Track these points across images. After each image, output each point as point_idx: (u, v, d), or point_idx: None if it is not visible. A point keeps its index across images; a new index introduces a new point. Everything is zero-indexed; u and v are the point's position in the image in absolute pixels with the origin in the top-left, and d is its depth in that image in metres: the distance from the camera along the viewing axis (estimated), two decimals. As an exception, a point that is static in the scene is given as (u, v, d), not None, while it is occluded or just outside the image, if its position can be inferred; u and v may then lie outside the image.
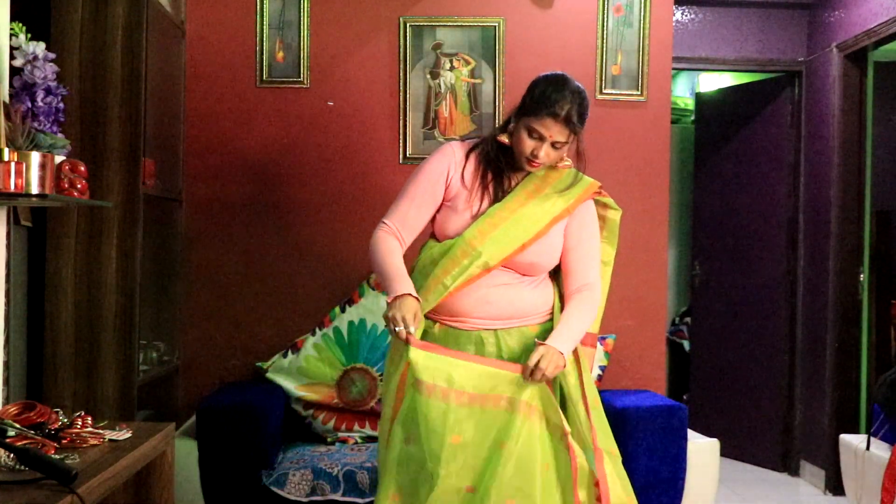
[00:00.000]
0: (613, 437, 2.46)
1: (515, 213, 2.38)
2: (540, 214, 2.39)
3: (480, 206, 2.41)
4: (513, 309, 2.40)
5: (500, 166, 2.43)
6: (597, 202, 2.53)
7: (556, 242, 2.43)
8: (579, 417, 2.35)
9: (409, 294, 2.28)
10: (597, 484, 2.29)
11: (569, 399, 2.37)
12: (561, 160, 2.43)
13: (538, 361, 2.25)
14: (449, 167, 2.44)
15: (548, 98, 2.31)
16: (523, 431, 2.26)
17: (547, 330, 2.42)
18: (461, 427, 2.25)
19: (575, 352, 2.41)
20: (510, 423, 2.26)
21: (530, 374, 2.26)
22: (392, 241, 2.41)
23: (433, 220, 2.48)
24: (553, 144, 2.34)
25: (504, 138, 2.42)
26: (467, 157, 2.46)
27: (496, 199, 2.42)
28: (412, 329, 2.24)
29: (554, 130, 2.32)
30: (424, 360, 2.26)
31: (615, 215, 2.56)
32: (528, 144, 2.35)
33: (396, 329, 2.24)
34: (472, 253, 2.34)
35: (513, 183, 2.45)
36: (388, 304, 2.30)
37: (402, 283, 2.32)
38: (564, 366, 2.31)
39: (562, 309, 2.46)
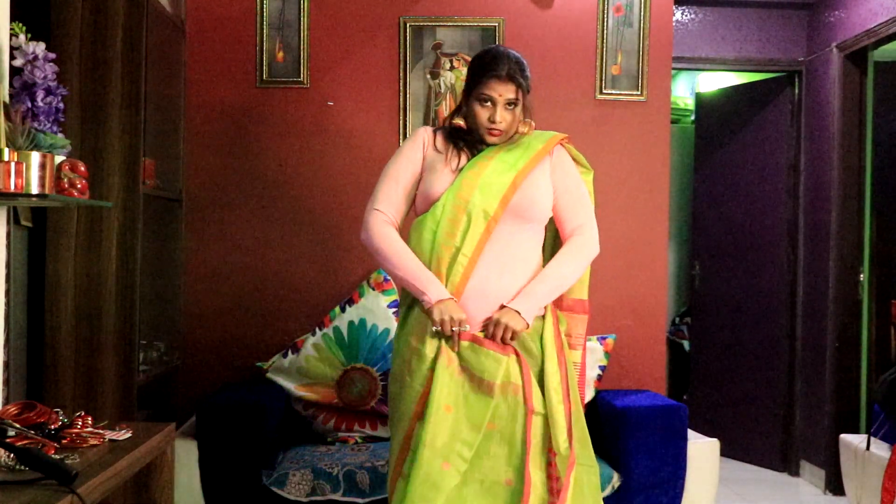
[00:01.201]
0: (613, 446, 2.48)
1: (494, 158, 2.43)
2: (515, 157, 2.44)
3: (459, 162, 2.46)
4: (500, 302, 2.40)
5: (465, 137, 2.50)
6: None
7: (544, 183, 2.46)
8: (556, 421, 2.35)
9: (448, 298, 2.35)
10: (558, 492, 2.31)
11: (548, 401, 2.36)
12: (518, 127, 2.48)
13: (493, 326, 2.35)
14: (423, 142, 2.52)
15: (486, 64, 2.42)
16: (518, 412, 2.33)
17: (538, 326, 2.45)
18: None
19: (562, 356, 2.43)
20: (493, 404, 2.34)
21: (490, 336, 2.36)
22: (391, 232, 2.45)
23: (414, 201, 2.52)
24: (506, 105, 2.40)
25: (459, 121, 2.50)
26: (435, 133, 2.55)
27: (472, 156, 2.47)
28: (467, 327, 2.34)
29: (501, 89, 2.39)
30: (485, 360, 2.33)
31: (587, 176, 2.59)
32: (483, 113, 2.42)
33: (454, 329, 2.32)
34: (467, 206, 2.37)
35: (483, 147, 2.49)
36: (426, 310, 2.35)
37: (435, 286, 2.36)
38: (525, 328, 2.36)
39: None
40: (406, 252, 2.42)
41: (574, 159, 2.56)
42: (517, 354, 2.37)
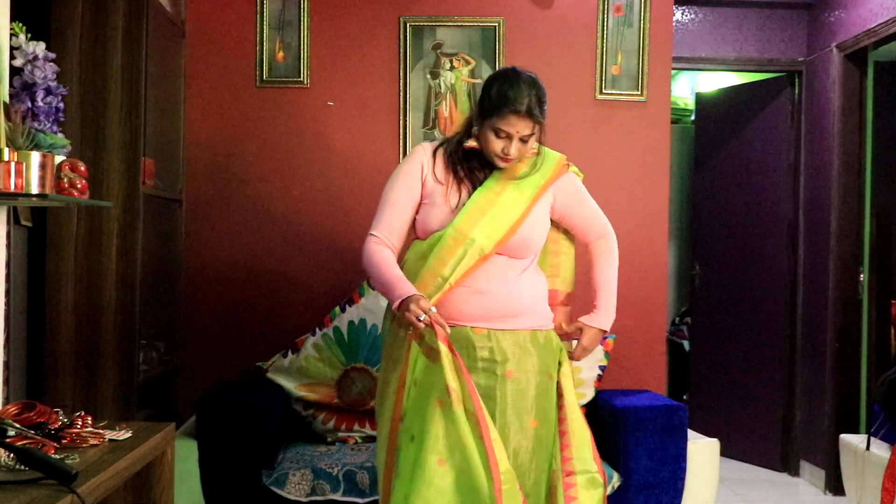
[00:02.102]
0: (614, 446, 2.52)
1: (500, 196, 2.42)
2: (519, 196, 2.43)
3: (459, 198, 2.45)
4: (508, 305, 2.40)
5: (468, 164, 2.47)
6: None
7: (541, 220, 2.49)
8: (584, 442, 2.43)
9: (415, 294, 2.31)
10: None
11: (572, 425, 2.43)
12: (530, 152, 2.47)
13: (585, 346, 2.56)
14: (422, 165, 2.48)
15: (506, 96, 2.35)
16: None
17: (545, 338, 2.46)
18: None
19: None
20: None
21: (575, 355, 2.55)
22: (385, 251, 2.44)
23: (414, 221, 2.51)
24: (521, 139, 2.38)
25: (472, 143, 2.45)
26: (435, 154, 2.50)
27: (473, 188, 2.45)
28: (433, 309, 2.27)
29: (519, 126, 2.36)
30: (449, 364, 2.27)
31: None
32: (497, 144, 2.39)
33: (421, 319, 2.25)
34: (466, 241, 2.37)
35: (486, 174, 2.47)
36: (395, 309, 2.32)
37: (405, 286, 2.34)
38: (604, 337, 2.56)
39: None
40: (383, 260, 2.41)
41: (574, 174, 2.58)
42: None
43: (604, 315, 2.58)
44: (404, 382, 2.36)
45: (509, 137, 2.37)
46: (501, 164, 2.43)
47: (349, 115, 3.75)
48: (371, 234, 2.47)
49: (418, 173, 2.48)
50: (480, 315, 2.39)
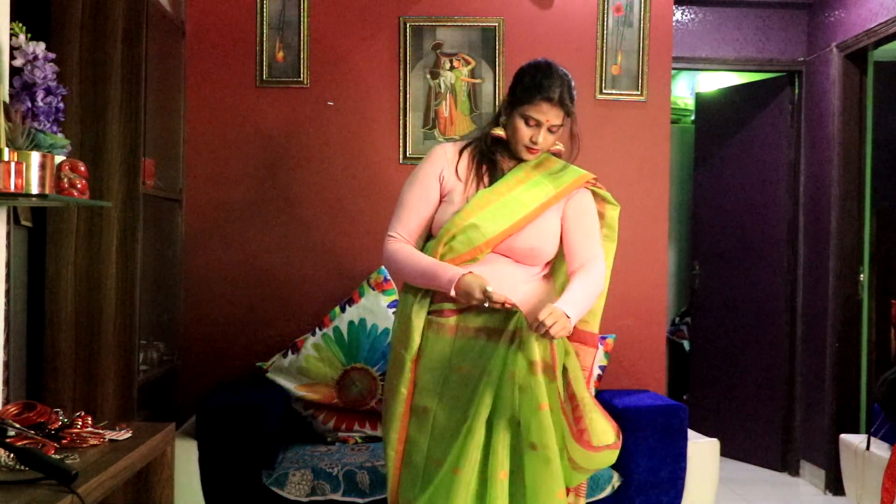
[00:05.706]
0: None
1: (503, 196, 2.40)
2: (528, 199, 2.41)
3: (476, 193, 2.44)
4: (524, 308, 2.39)
5: (493, 159, 2.46)
6: (594, 196, 2.53)
7: (552, 228, 2.45)
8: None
9: (463, 274, 2.29)
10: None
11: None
12: (555, 145, 2.46)
13: (545, 318, 2.17)
14: (442, 166, 2.48)
15: (539, 84, 2.37)
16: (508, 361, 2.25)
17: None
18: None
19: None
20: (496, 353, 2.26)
21: (535, 329, 2.19)
22: (407, 246, 2.45)
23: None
24: (550, 129, 2.38)
25: (499, 132, 2.45)
26: (460, 154, 2.49)
27: (491, 184, 2.44)
28: (490, 288, 2.24)
29: (550, 114, 2.36)
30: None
31: (613, 211, 2.56)
32: (526, 132, 2.38)
33: (485, 304, 2.24)
34: (466, 224, 2.36)
35: (508, 169, 2.47)
36: (455, 294, 2.29)
37: (448, 269, 2.32)
38: (570, 332, 2.25)
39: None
40: (412, 254, 2.42)
41: (602, 198, 2.53)
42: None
43: (565, 303, 2.26)
44: (411, 397, 2.37)
45: (538, 126, 2.37)
46: (527, 156, 2.42)
47: (349, 115, 3.75)
48: (389, 235, 2.47)
49: (436, 173, 2.47)
50: (484, 316, 2.38)
